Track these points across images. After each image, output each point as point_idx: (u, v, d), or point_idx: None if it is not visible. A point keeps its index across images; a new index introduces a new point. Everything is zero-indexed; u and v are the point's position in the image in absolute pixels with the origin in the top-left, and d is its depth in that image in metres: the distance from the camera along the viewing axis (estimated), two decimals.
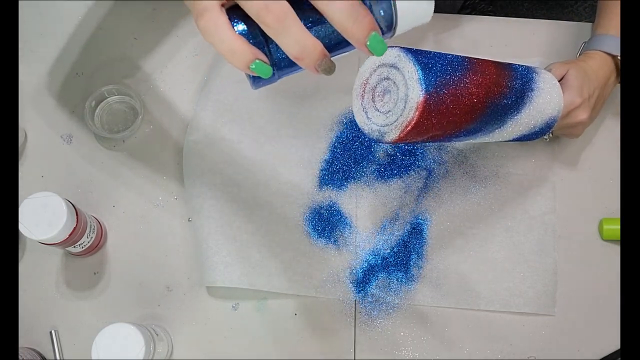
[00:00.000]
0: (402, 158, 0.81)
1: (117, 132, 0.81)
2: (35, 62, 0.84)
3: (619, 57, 0.76)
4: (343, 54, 0.48)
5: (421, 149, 0.82)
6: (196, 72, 0.84)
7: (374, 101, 0.61)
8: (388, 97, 0.60)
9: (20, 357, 0.70)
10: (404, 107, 0.58)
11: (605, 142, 0.84)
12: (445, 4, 0.97)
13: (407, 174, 0.81)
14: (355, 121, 0.82)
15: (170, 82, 0.84)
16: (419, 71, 0.57)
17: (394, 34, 0.48)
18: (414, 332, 0.77)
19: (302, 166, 0.81)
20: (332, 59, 0.45)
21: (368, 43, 0.43)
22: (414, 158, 0.82)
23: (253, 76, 0.46)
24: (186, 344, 0.76)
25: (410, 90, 0.57)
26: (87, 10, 0.86)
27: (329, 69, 0.44)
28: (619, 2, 0.78)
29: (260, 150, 0.81)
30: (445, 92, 0.58)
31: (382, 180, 0.81)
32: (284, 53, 0.45)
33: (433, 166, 0.81)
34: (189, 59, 0.85)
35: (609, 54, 0.76)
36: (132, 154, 0.81)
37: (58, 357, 0.74)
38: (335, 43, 0.46)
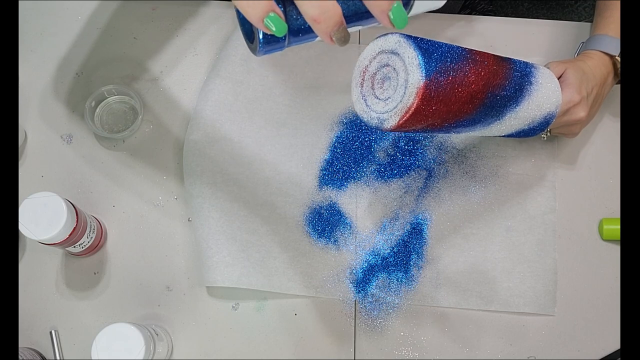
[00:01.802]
0: (402, 158, 0.81)
1: (117, 132, 0.81)
2: (35, 62, 0.84)
3: (617, 57, 0.76)
4: (357, 27, 0.47)
5: (421, 149, 0.82)
6: (196, 72, 0.84)
7: (373, 89, 0.61)
8: (388, 83, 0.59)
9: (20, 357, 0.70)
10: (404, 92, 0.57)
11: (605, 141, 0.84)
12: (445, 3, 0.97)
13: (407, 174, 0.81)
14: (355, 121, 0.83)
15: (170, 82, 0.84)
16: (420, 56, 0.56)
17: (407, 13, 0.47)
18: (414, 332, 0.77)
19: (302, 166, 0.81)
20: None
21: (391, 13, 0.42)
22: (414, 158, 0.82)
23: (262, 39, 0.44)
24: (186, 344, 0.76)
25: (411, 75, 0.57)
26: (86, 10, 0.86)
27: (344, 39, 0.43)
28: (617, 2, 0.78)
29: (260, 150, 0.81)
30: (445, 78, 0.58)
31: (382, 180, 0.81)
32: (300, 17, 0.43)
33: (433, 166, 0.81)
34: (189, 59, 0.85)
35: (607, 54, 0.76)
36: (132, 154, 0.81)
37: (58, 357, 0.74)
38: (354, 13, 0.45)
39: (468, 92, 0.60)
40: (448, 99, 0.59)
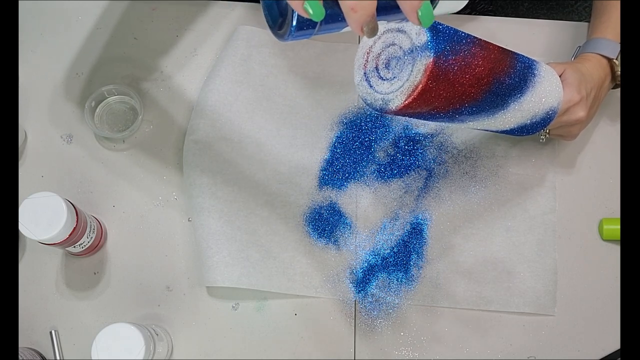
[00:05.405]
0: (402, 158, 0.81)
1: (117, 132, 0.81)
2: (35, 62, 0.84)
3: (614, 60, 0.76)
4: (382, 22, 0.48)
5: (421, 149, 0.82)
6: (196, 72, 0.84)
7: (377, 69, 0.60)
8: (394, 63, 0.58)
9: (20, 357, 0.70)
10: (411, 70, 0.56)
11: (605, 142, 0.84)
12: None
13: (407, 174, 0.81)
14: (355, 121, 0.83)
15: (170, 82, 0.84)
16: (428, 33, 0.56)
17: None
18: (414, 332, 0.77)
19: (302, 166, 0.81)
20: None
21: (420, 10, 0.44)
22: (414, 158, 0.81)
23: (295, 24, 0.45)
24: (186, 344, 0.76)
25: (419, 53, 0.56)
26: (87, 10, 0.86)
27: (374, 30, 0.45)
28: (615, 5, 0.77)
29: (260, 150, 0.81)
30: (453, 57, 0.57)
31: (382, 180, 0.81)
32: (335, 5, 0.44)
33: (433, 166, 0.81)
34: (189, 59, 0.85)
35: (604, 56, 0.76)
36: (132, 154, 0.81)
37: (58, 357, 0.74)
38: (384, 7, 0.46)
39: (474, 75, 0.60)
40: (455, 79, 0.58)
